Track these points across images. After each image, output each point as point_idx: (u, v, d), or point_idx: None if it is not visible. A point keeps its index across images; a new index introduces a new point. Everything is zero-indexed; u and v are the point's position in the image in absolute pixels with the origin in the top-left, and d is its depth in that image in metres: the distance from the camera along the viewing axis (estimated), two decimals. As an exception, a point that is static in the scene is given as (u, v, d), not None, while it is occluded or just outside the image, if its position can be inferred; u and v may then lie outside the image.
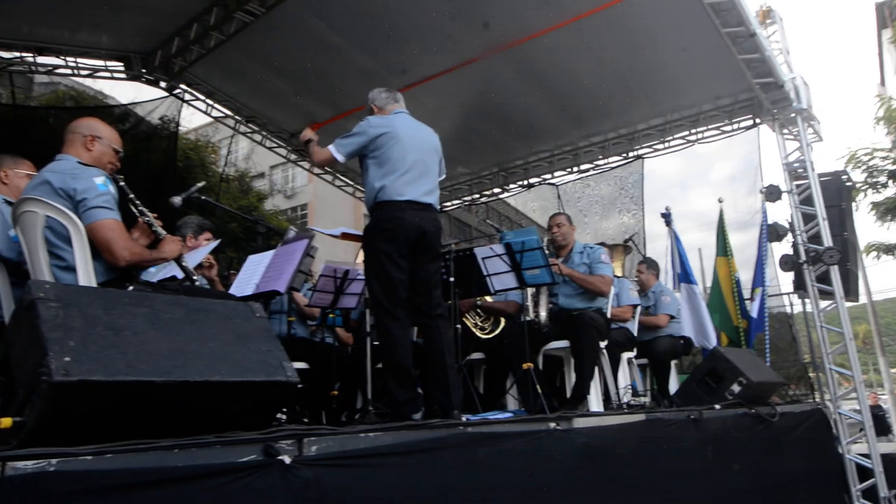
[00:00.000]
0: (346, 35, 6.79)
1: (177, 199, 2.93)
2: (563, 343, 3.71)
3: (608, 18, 6.02)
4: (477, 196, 9.79)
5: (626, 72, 6.83)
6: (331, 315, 4.28)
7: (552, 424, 2.72)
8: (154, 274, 2.94)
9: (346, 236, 3.84)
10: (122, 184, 2.37)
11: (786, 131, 7.12)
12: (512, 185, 9.45)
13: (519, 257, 3.38)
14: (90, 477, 1.41)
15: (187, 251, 2.68)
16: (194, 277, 2.52)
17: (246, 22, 6.46)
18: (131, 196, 2.44)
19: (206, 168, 11.51)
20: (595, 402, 3.57)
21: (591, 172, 8.73)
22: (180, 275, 2.74)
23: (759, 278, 5.93)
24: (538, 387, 3.20)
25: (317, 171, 9.40)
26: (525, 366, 3.34)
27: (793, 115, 6.92)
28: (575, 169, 8.79)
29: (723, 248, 6.61)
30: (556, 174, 9.03)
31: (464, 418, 2.95)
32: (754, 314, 5.98)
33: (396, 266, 2.95)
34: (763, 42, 6.10)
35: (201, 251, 3.06)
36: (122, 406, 1.59)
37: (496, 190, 9.61)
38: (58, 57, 7.06)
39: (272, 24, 6.54)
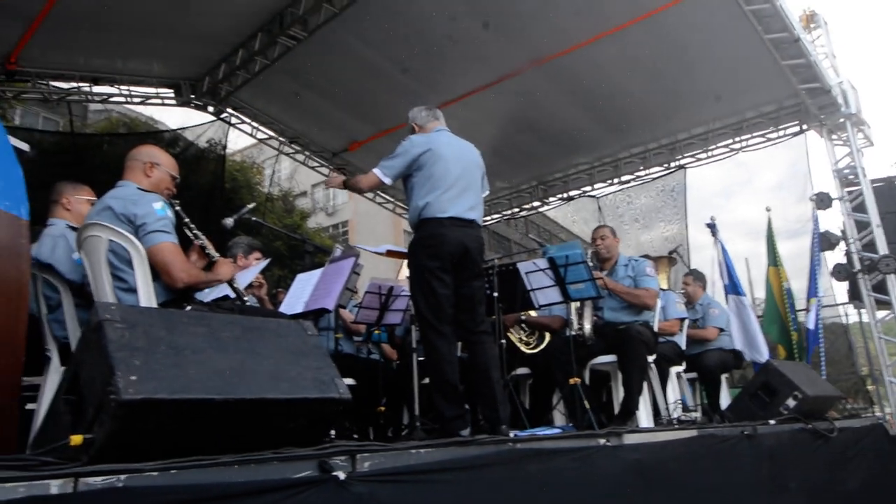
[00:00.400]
0: (385, 54, 6.93)
1: (229, 221, 3.03)
2: (610, 358, 3.67)
3: (648, 28, 6.00)
4: (517, 210, 9.79)
5: (667, 81, 6.78)
6: (376, 331, 4.33)
7: (602, 440, 2.69)
8: (206, 294, 3.04)
9: (390, 253, 3.90)
10: (177, 208, 2.47)
11: (834, 137, 6.94)
12: (552, 199, 9.43)
13: (563, 271, 3.37)
14: (156, 492, 1.46)
15: (238, 272, 2.77)
16: (245, 298, 2.60)
17: (289, 46, 6.67)
18: (186, 220, 2.53)
19: (251, 188, 11.83)
20: (644, 417, 3.52)
21: (633, 184, 8.66)
22: (232, 295, 2.83)
23: (813, 288, 5.75)
24: (586, 402, 3.17)
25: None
26: (572, 381, 3.31)
27: (841, 120, 6.76)
28: (616, 180, 8.73)
29: (773, 258, 6.43)
30: (597, 186, 8.98)
31: (511, 434, 2.94)
32: (811, 326, 5.78)
33: (441, 282, 2.98)
34: (807, 47, 5.98)
35: (252, 271, 3.15)
36: (183, 423, 1.64)
37: (536, 203, 9.60)
38: (112, 86, 7.40)
39: (313, 47, 6.73)
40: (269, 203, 12.74)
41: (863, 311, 6.33)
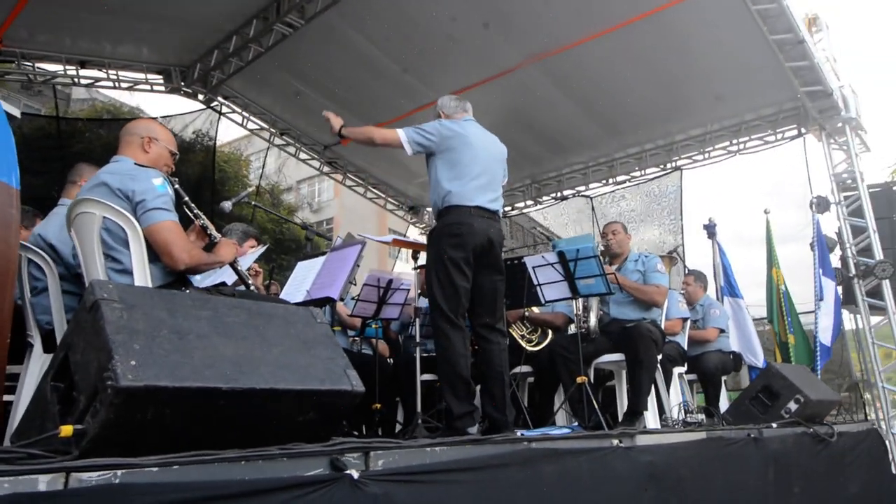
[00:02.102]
0: (382, 48, 6.78)
1: (227, 205, 2.88)
2: (617, 356, 3.56)
3: (650, 26, 5.91)
4: (509, 208, 9.68)
5: (667, 81, 6.70)
6: (373, 326, 4.20)
7: (615, 441, 2.58)
8: (200, 281, 2.89)
9: (397, 242, 3.78)
10: (176, 186, 2.32)
11: (832, 141, 6.92)
12: (545, 198, 9.33)
13: (572, 266, 3.26)
14: (157, 490, 1.32)
15: (241, 255, 2.62)
16: (249, 281, 2.45)
17: (284, 34, 6.50)
18: (186, 199, 2.38)
19: (239, 180, 11.60)
20: (651, 418, 3.42)
21: (628, 184, 8.59)
22: (229, 281, 2.68)
23: (819, 291, 5.73)
24: (594, 402, 3.06)
25: (349, 182, 9.38)
26: (579, 380, 3.20)
27: (840, 124, 6.73)
28: (610, 181, 8.66)
29: (774, 259, 6.38)
30: (591, 186, 8.90)
31: (518, 433, 2.83)
32: (825, 340, 5.70)
33: (462, 274, 2.87)
34: (811, 49, 5.94)
35: (248, 258, 3.00)
36: (185, 414, 1.50)
37: (528, 202, 9.50)
38: (99, 70, 7.17)
39: (309, 36, 6.57)
40: (257, 197, 12.56)
41: (857, 315, 6.29)
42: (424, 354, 4.32)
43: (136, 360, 1.41)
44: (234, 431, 1.63)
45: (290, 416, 1.71)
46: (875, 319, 6.43)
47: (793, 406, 4.29)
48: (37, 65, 6.88)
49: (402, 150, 3.04)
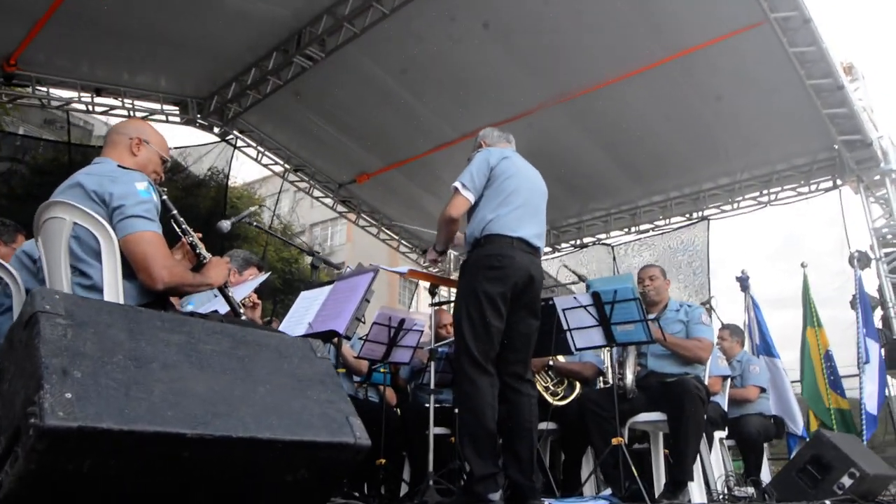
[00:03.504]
0: (404, 84, 6.62)
1: (226, 224, 2.59)
2: (656, 415, 3.14)
3: (679, 67, 5.70)
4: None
5: (697, 126, 6.46)
6: (382, 370, 3.82)
7: (664, 517, 2.17)
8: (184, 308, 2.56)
9: (413, 273, 3.44)
10: (164, 197, 2.01)
11: (869, 194, 6.60)
12: (563, 245, 9.02)
13: (608, 309, 2.90)
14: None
15: (234, 282, 2.29)
16: (241, 311, 2.11)
17: (304, 67, 6.36)
18: (174, 212, 2.07)
19: (250, 217, 11.38)
20: (697, 491, 2.97)
21: (652, 233, 8.26)
22: (221, 310, 2.34)
23: (865, 354, 5.29)
24: (633, 468, 2.65)
25: (362, 223, 9.14)
26: (615, 441, 2.80)
27: (878, 176, 6.43)
28: (633, 229, 8.34)
29: (811, 318, 5.95)
30: (612, 234, 8.58)
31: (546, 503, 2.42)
32: (871, 408, 5.22)
33: (497, 314, 2.52)
34: (850, 96, 5.69)
35: (247, 285, 2.67)
36: (135, 467, 1.15)
37: (547, 249, 9.17)
38: (115, 98, 7.06)
39: (329, 70, 6.42)
40: (269, 237, 12.35)
41: (903, 381, 5.82)
42: (437, 405, 3.93)
43: (74, 392, 1.07)
44: (201, 493, 1.27)
45: (276, 474, 1.34)
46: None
47: (847, 481, 3.80)
48: (51, 90, 6.77)
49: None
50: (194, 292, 2.04)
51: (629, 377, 3.13)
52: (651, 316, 3.35)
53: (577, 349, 3.12)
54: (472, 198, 2.71)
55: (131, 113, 7.30)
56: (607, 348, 3.36)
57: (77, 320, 1.21)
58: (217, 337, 1.42)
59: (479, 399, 2.42)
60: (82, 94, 6.90)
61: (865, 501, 3.86)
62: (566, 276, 4.28)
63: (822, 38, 5.15)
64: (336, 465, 1.43)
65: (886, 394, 5.63)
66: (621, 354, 3.18)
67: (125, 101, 7.11)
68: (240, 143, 7.92)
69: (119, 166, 1.92)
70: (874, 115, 6.42)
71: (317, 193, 8.68)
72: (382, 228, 9.38)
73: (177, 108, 7.46)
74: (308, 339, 1.65)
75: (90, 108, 7.09)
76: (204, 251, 2.09)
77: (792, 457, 4.38)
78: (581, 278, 3.66)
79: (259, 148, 8.01)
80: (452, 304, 3.16)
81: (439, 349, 3.87)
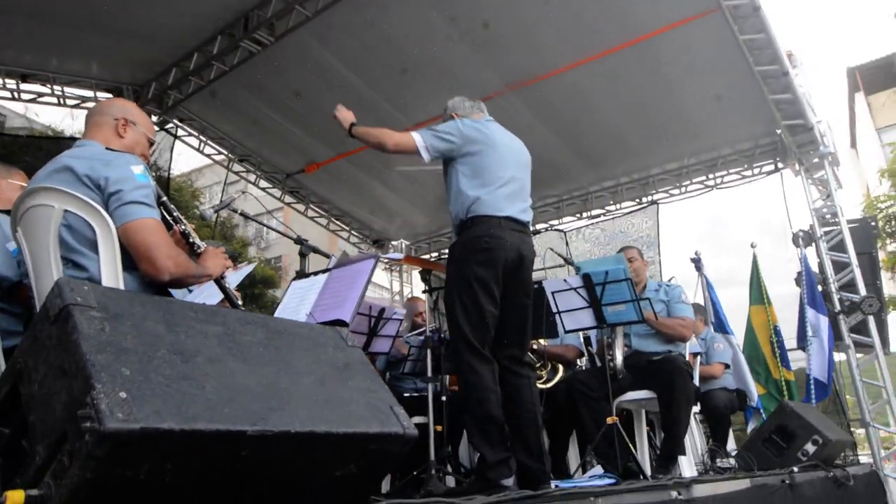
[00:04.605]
0: (354, 70, 6.44)
1: (208, 211, 2.43)
2: (645, 393, 3.18)
3: (635, 55, 5.78)
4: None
5: (648, 112, 6.58)
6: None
7: (674, 493, 2.20)
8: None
9: (409, 259, 3.35)
10: (154, 182, 1.85)
11: (808, 176, 6.92)
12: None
13: (599, 291, 2.91)
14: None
15: (232, 270, 2.15)
16: (239, 302, 1.98)
17: (251, 52, 6.09)
18: (164, 199, 1.91)
19: (189, 209, 10.90)
20: (687, 464, 3.04)
21: (603, 218, 8.41)
22: (213, 301, 2.20)
23: (802, 331, 5.59)
24: (631, 446, 2.67)
25: (311, 213, 8.90)
26: (610, 420, 2.81)
27: (817, 159, 6.74)
28: (585, 214, 8.47)
29: (758, 296, 6.22)
30: (564, 220, 8.69)
31: (553, 485, 2.41)
32: (818, 375, 5.51)
33: (490, 297, 2.45)
34: (794, 82, 5.93)
35: (237, 275, 2.52)
36: (193, 468, 1.04)
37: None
38: (43, 84, 6.57)
39: (276, 56, 6.17)
40: (207, 229, 11.87)
41: (846, 352, 6.16)
42: (416, 394, 3.88)
43: (128, 391, 0.95)
44: (250, 494, 1.17)
45: (328, 468, 1.25)
46: (860, 356, 6.33)
47: (811, 448, 4.01)
48: (-28, 76, 6.23)
49: (417, 158, 2.62)
50: (196, 283, 1.90)
51: (619, 358, 3.16)
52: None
53: (567, 331, 3.12)
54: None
55: (61, 100, 6.84)
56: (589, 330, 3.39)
57: (111, 313, 1.08)
58: (251, 327, 1.32)
59: (481, 386, 2.37)
60: (7, 81, 6.40)
61: (826, 465, 4.08)
62: (551, 259, 4.28)
63: (771, 26, 5.34)
64: (385, 457, 1.35)
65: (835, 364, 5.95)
66: (609, 335, 3.20)
67: (54, 87, 6.63)
68: (180, 133, 7.54)
69: (108, 149, 1.76)
70: (812, 100, 6.74)
71: (263, 184, 8.38)
72: (332, 219, 9.16)
73: (111, 95, 7.01)
74: (335, 328, 1.56)
75: (15, 94, 6.58)
76: (198, 240, 1.95)
77: (750, 428, 4.55)
78: (567, 261, 3.67)
79: (201, 137, 7.64)
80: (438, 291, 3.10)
81: (412, 338, 3.84)
